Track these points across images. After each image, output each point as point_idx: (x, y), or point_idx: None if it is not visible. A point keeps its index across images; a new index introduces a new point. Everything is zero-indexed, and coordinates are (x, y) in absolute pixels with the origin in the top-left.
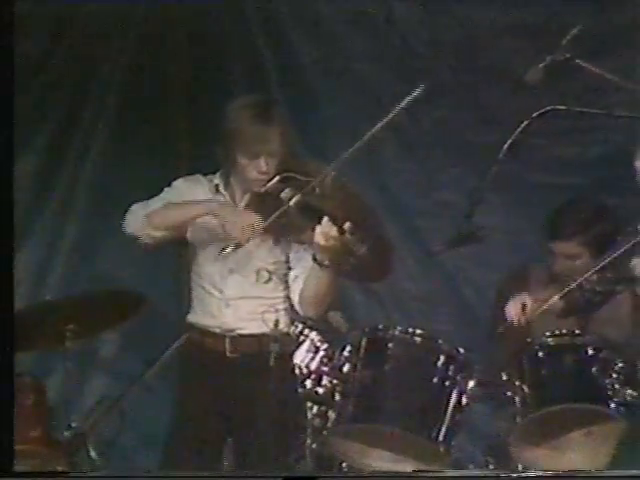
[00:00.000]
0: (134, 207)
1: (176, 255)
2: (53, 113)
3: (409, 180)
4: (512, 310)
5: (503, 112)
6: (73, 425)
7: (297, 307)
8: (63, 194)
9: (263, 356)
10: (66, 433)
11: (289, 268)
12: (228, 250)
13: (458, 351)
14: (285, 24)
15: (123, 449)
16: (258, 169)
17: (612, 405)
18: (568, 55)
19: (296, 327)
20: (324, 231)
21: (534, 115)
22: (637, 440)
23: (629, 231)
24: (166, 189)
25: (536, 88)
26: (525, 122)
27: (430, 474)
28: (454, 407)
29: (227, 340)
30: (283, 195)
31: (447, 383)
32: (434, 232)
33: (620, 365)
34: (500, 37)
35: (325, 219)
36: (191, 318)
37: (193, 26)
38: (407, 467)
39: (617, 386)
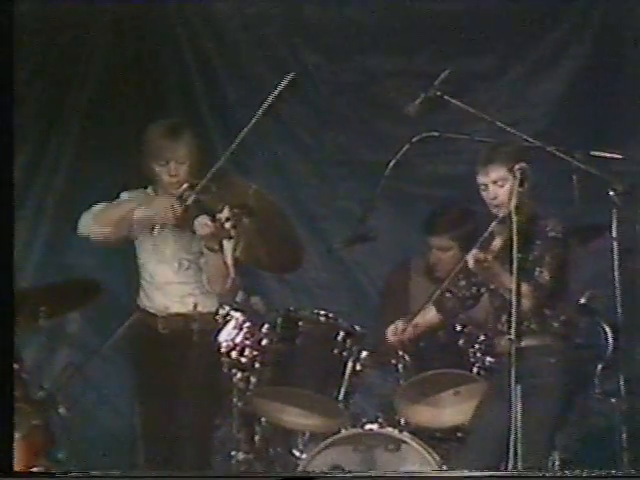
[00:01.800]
0: (83, 214)
1: (127, 252)
2: (30, 135)
3: (315, 192)
4: (389, 334)
5: (389, 137)
6: (45, 387)
7: (206, 287)
8: (37, 201)
9: (188, 332)
10: (40, 393)
11: (202, 254)
12: (156, 230)
13: (354, 328)
14: (215, 66)
15: (86, 406)
16: (169, 172)
17: (475, 370)
18: (439, 93)
19: (223, 309)
20: (200, 222)
21: (413, 140)
22: (494, 396)
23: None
24: (113, 201)
25: (414, 118)
26: (406, 145)
27: (430, 474)
28: (351, 373)
29: (159, 319)
30: (184, 196)
31: (345, 353)
32: (335, 233)
33: (481, 339)
34: (387, 78)
35: (201, 216)
36: (138, 301)
37: (146, 70)
38: (314, 421)
39: (479, 355)
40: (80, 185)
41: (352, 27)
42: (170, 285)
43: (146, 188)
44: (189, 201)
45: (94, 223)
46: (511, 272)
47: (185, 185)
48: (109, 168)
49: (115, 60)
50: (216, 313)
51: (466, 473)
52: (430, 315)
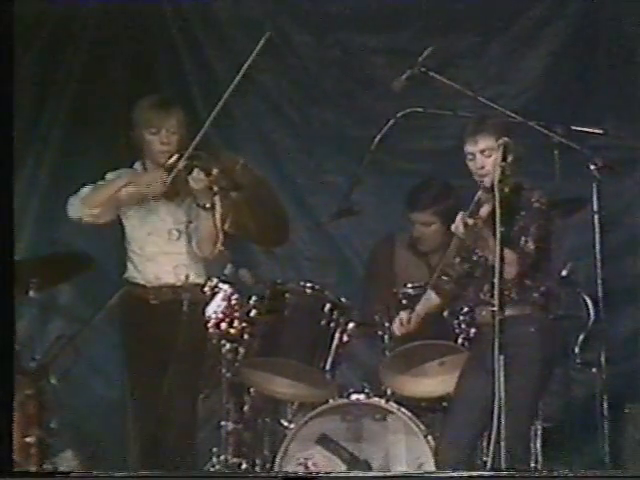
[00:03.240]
0: (71, 199)
1: (115, 228)
2: (21, 113)
3: (301, 166)
4: (395, 328)
5: (375, 113)
6: (37, 357)
7: (196, 250)
8: (29, 176)
9: (178, 303)
10: (31, 364)
11: (191, 223)
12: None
13: (340, 300)
14: (203, 44)
15: (77, 376)
16: (160, 140)
17: (459, 341)
18: (424, 69)
19: (212, 281)
20: (194, 177)
21: (398, 115)
22: (477, 366)
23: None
24: (99, 182)
25: (399, 94)
26: (391, 121)
27: (430, 474)
28: (337, 343)
29: (149, 290)
30: (175, 164)
31: (332, 325)
32: (321, 207)
33: (465, 310)
34: (372, 55)
35: (195, 170)
36: (126, 275)
37: (134, 51)
38: (302, 391)
39: (463, 326)
40: (71, 160)
41: (338, 5)
42: (160, 256)
43: (132, 166)
44: (180, 166)
45: (83, 206)
46: (501, 241)
47: (175, 156)
48: (99, 145)
49: (105, 39)
50: (204, 285)
51: (464, 473)
52: (430, 300)
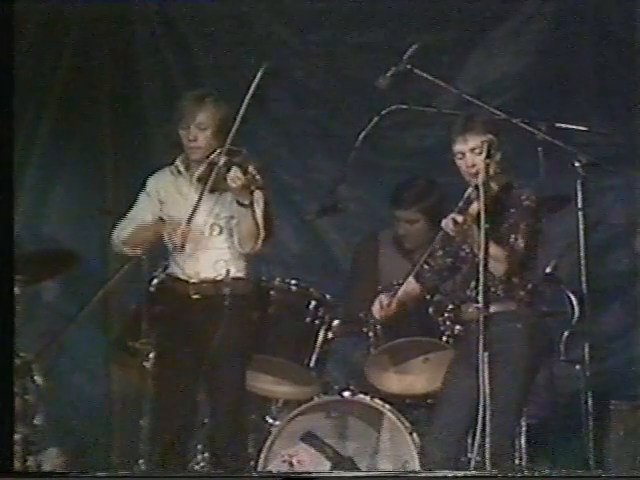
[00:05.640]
0: (118, 228)
1: (101, 225)
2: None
3: (287, 164)
4: (375, 310)
5: (359, 110)
6: (21, 354)
7: (237, 247)
8: (17, 172)
9: (219, 297)
10: (16, 360)
11: (232, 218)
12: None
13: (325, 297)
14: (188, 42)
15: (61, 373)
16: (188, 138)
17: (444, 338)
18: (409, 66)
19: None
20: (231, 176)
21: (383, 112)
22: (463, 363)
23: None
24: (141, 196)
25: (384, 92)
26: (376, 118)
27: (431, 474)
28: (322, 341)
29: (190, 285)
30: (216, 160)
31: (317, 322)
32: (306, 204)
33: (450, 307)
34: (357, 52)
35: (233, 167)
36: (168, 270)
37: (118, 49)
38: (287, 389)
39: (448, 323)
40: (57, 158)
41: (322, 2)
42: (201, 251)
43: (172, 163)
44: (221, 163)
45: (125, 246)
46: (486, 239)
47: (217, 151)
48: (85, 144)
49: (90, 37)
50: (240, 278)
51: (459, 473)
52: (410, 287)
